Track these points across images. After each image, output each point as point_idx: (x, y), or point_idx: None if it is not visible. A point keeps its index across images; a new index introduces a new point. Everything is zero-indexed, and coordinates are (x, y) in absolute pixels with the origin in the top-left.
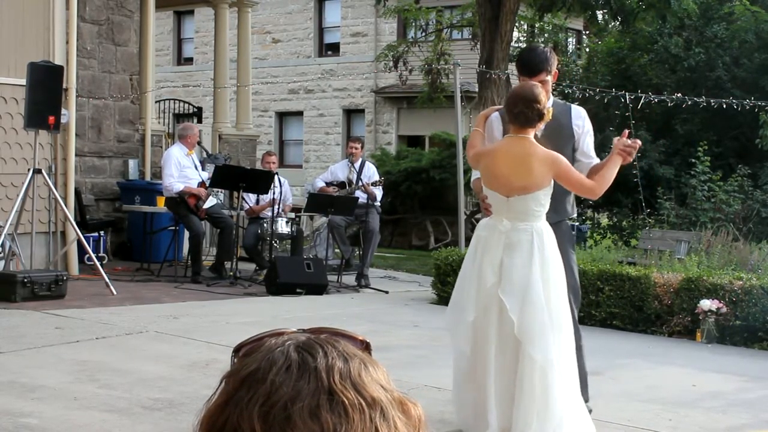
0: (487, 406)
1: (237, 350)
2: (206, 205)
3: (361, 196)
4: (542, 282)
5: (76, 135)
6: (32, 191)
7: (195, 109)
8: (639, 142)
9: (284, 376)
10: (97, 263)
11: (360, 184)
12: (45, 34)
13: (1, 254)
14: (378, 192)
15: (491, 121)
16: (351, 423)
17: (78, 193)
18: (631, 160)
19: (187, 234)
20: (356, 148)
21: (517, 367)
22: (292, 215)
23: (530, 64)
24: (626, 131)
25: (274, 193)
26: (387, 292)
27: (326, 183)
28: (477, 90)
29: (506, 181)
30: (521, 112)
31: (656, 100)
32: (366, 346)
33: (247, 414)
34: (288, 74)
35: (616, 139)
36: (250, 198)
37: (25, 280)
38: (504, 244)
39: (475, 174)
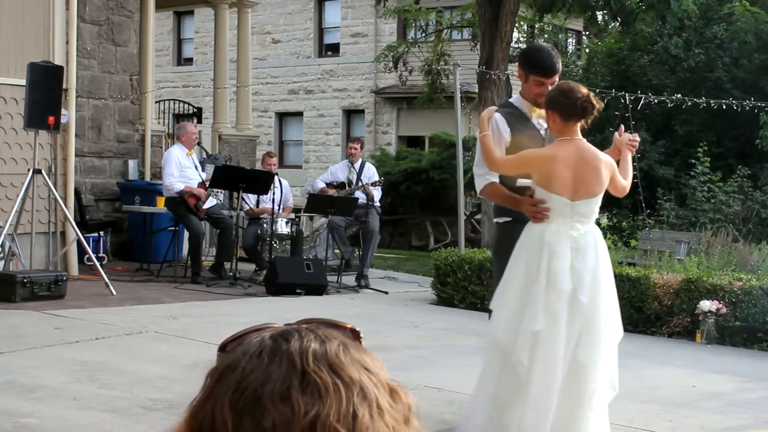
0: (546, 415)
1: (222, 348)
2: (206, 206)
3: (361, 197)
4: (607, 286)
5: (76, 135)
6: (32, 191)
7: (195, 110)
8: (638, 136)
9: (255, 362)
10: (97, 263)
11: (360, 184)
12: (45, 34)
13: (1, 254)
14: (377, 192)
15: (496, 122)
16: (324, 404)
17: (78, 194)
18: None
19: (186, 234)
20: (356, 149)
21: (577, 375)
22: (292, 216)
23: (550, 64)
24: (622, 126)
25: (273, 195)
26: (387, 293)
27: (326, 183)
28: (477, 90)
29: (574, 185)
30: (587, 101)
31: (656, 100)
32: (355, 334)
33: (219, 405)
34: (288, 75)
35: (617, 136)
36: (250, 198)
37: (25, 280)
38: (571, 249)
39: (488, 179)
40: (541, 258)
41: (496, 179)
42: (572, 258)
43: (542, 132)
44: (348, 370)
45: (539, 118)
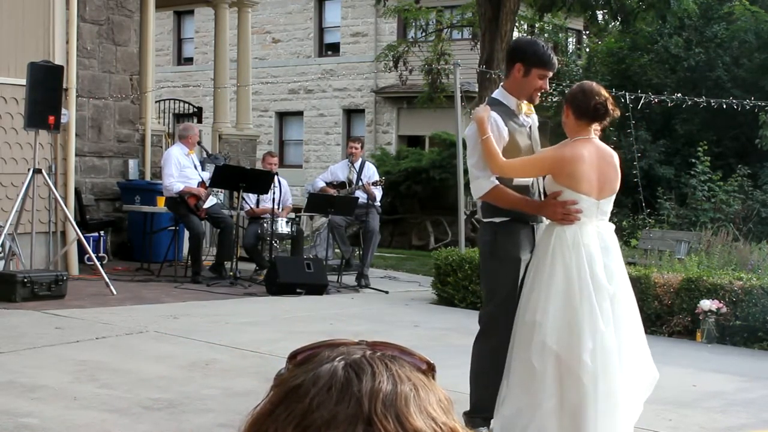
0: (617, 417)
1: (293, 356)
2: (206, 205)
3: (361, 196)
4: (628, 280)
5: (76, 135)
6: (32, 191)
7: (195, 109)
8: None
9: (324, 396)
10: (97, 263)
11: (360, 184)
12: (45, 34)
13: (1, 254)
14: (378, 192)
15: (495, 122)
16: None
17: (78, 193)
18: None
19: (187, 234)
20: (356, 148)
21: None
22: (292, 215)
23: (553, 58)
24: None
25: (273, 194)
26: (387, 292)
27: (326, 183)
28: (477, 90)
29: (599, 185)
30: (601, 104)
31: (656, 100)
32: (429, 368)
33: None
34: (288, 74)
35: None
36: (251, 198)
37: (25, 280)
38: (601, 248)
39: (493, 181)
40: (581, 261)
41: (497, 181)
42: (603, 257)
43: (527, 129)
44: (414, 422)
45: (522, 114)
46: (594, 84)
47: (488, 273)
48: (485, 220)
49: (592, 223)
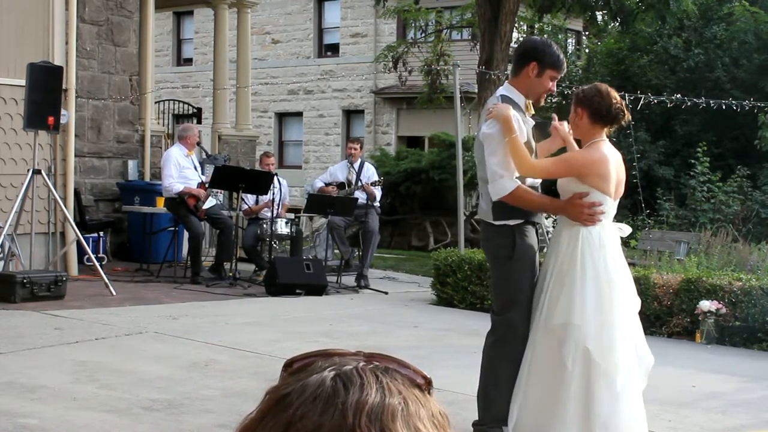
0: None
1: (288, 365)
2: (206, 206)
3: (361, 197)
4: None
5: (76, 135)
6: (32, 192)
7: (194, 110)
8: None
9: (309, 407)
10: (97, 264)
11: (359, 184)
12: (45, 35)
13: (1, 255)
14: (377, 192)
15: (517, 121)
16: None
17: (77, 194)
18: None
19: (186, 234)
20: (355, 149)
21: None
22: (291, 216)
23: (564, 63)
24: (555, 116)
25: (273, 194)
26: (386, 293)
27: (326, 184)
28: (477, 91)
29: (615, 185)
30: (620, 108)
31: (656, 100)
32: (426, 382)
33: None
34: (287, 75)
35: (557, 125)
36: (250, 199)
37: (25, 280)
38: (617, 246)
39: (517, 181)
40: (608, 261)
41: (519, 182)
42: (620, 256)
43: (532, 128)
44: None
45: (527, 113)
46: (607, 88)
47: (507, 277)
48: (497, 222)
49: (610, 223)
